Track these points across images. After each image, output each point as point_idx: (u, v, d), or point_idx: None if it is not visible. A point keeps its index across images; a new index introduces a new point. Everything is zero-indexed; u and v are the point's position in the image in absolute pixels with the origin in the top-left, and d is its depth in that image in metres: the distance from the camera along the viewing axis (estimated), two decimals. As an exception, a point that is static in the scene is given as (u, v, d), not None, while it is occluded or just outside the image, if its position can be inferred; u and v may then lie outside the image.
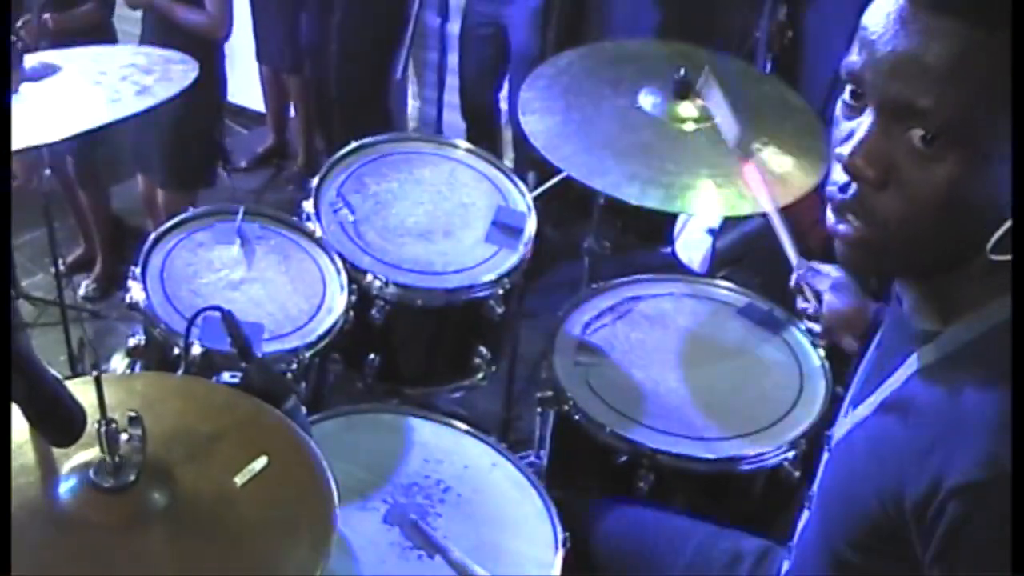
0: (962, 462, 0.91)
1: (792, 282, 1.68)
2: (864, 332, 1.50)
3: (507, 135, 3.72)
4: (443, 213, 2.21)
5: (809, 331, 1.68)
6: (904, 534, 0.97)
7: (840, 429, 1.16)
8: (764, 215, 1.83)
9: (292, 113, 4.20)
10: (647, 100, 2.07)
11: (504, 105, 3.66)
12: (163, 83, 1.95)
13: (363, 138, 2.32)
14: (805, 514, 1.31)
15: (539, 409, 2.00)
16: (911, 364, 1.03)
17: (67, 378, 1.20)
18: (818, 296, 1.63)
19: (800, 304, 1.69)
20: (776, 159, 1.97)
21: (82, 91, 1.91)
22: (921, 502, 0.94)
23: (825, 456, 1.24)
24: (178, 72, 2.00)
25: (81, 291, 3.43)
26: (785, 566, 1.40)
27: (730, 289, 2.17)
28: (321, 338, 1.91)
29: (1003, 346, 0.93)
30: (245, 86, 4.16)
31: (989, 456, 0.89)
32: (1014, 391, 0.89)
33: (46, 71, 1.99)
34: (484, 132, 3.63)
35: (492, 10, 3.45)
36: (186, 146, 2.96)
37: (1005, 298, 0.95)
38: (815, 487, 1.26)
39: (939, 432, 0.94)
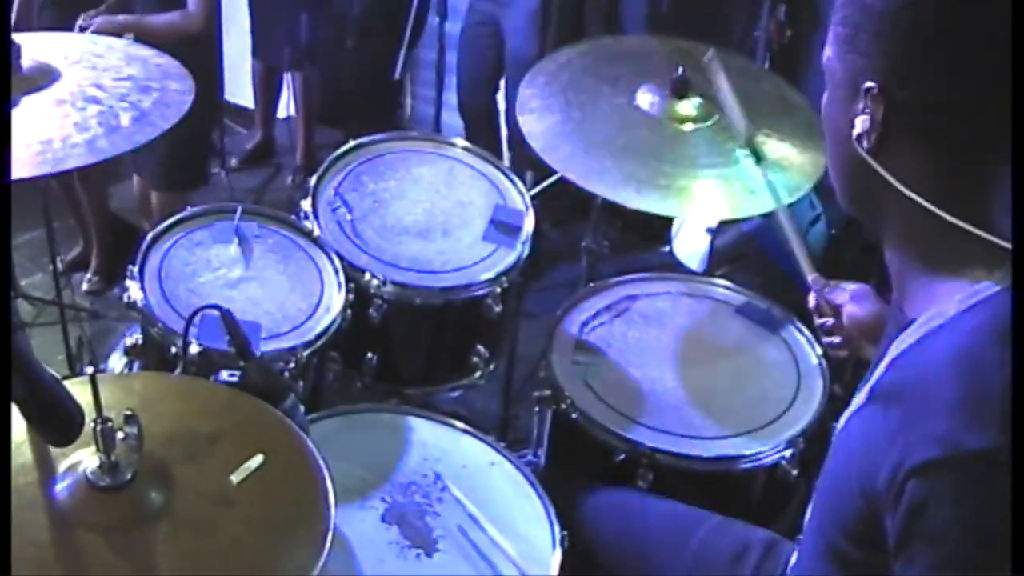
0: (920, 442, 0.92)
1: (811, 303, 1.66)
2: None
3: (504, 133, 3.72)
4: (441, 212, 2.21)
5: (830, 345, 1.65)
6: (882, 523, 0.98)
7: (841, 420, 1.18)
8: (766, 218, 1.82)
9: (291, 111, 4.19)
10: (645, 99, 2.07)
11: (502, 105, 3.66)
12: (160, 108, 1.95)
13: (374, 134, 2.32)
14: (810, 507, 1.32)
15: (537, 408, 2.00)
16: (893, 351, 1.05)
17: (65, 377, 1.21)
18: (837, 311, 1.62)
19: (818, 320, 1.67)
20: (776, 156, 1.97)
21: (77, 115, 1.89)
22: (887, 485, 0.95)
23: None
24: (175, 95, 2.00)
25: (84, 286, 3.43)
26: (792, 559, 1.40)
27: (728, 288, 2.17)
28: (319, 337, 1.92)
29: (968, 329, 0.96)
30: (244, 85, 4.16)
31: (945, 434, 0.90)
32: (1014, 388, 0.90)
33: (44, 78, 1.97)
34: (482, 131, 3.63)
35: (490, 10, 3.46)
36: (181, 147, 2.95)
37: (973, 285, 0.99)
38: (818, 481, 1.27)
39: (905, 415, 0.96)
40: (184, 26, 2.95)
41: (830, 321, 1.60)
